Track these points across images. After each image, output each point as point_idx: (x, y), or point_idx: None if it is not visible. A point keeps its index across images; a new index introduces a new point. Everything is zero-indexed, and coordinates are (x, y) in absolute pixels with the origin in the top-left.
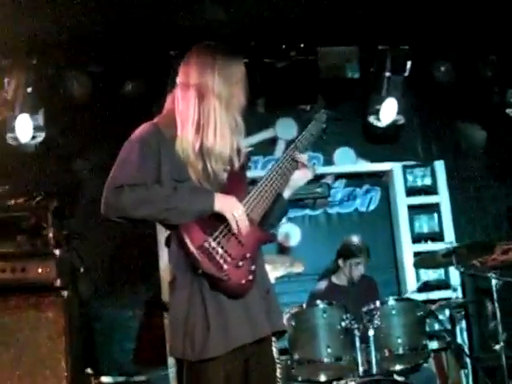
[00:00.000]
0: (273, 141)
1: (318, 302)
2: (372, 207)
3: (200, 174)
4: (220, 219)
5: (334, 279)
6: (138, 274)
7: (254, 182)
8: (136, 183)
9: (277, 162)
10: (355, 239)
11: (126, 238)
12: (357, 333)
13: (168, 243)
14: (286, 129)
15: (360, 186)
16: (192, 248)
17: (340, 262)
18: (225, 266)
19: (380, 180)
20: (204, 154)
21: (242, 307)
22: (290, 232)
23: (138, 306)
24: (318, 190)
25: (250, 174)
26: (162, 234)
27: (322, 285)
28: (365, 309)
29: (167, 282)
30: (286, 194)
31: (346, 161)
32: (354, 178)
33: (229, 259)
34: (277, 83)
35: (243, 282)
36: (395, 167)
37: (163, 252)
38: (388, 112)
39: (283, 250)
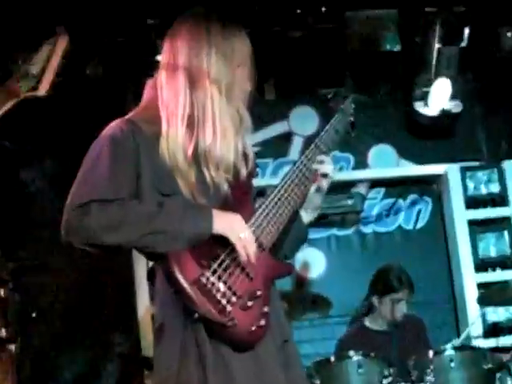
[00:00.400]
0: (286, 138)
1: (351, 353)
2: (420, 224)
3: (193, 185)
4: (220, 245)
5: (368, 323)
6: (110, 318)
7: (261, 193)
8: (107, 199)
9: (292, 168)
10: (394, 268)
11: (94, 272)
12: None
13: (151, 278)
14: (303, 121)
15: (404, 197)
16: (185, 284)
17: (374, 299)
18: (228, 308)
19: (430, 188)
20: (200, 159)
21: (252, 362)
22: (310, 259)
23: (110, 362)
24: (348, 202)
25: (255, 182)
26: (142, 265)
27: (354, 330)
28: (412, 361)
29: (149, 329)
30: (306, 216)
31: (385, 163)
32: (396, 186)
33: (234, 298)
34: (290, 60)
35: (253, 328)
36: (451, 170)
37: (143, 290)
38: (439, 97)
39: (302, 283)
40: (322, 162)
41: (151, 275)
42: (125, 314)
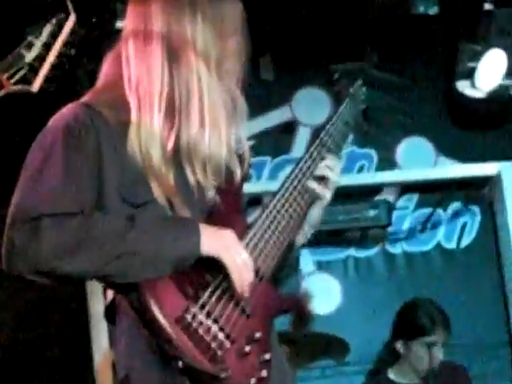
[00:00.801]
0: (288, 128)
1: None
2: (466, 242)
3: (173, 190)
4: (209, 271)
5: (393, 375)
6: (57, 367)
7: (256, 201)
8: (63, 212)
9: (294, 170)
10: (423, 303)
11: (37, 308)
12: None
13: (110, 315)
14: (310, 107)
15: (444, 206)
16: (164, 323)
17: (399, 345)
18: (221, 355)
19: (479, 194)
20: (181, 157)
21: None
22: (322, 289)
23: None
24: (371, 213)
25: (247, 187)
26: (98, 297)
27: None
28: None
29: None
30: (300, 236)
31: (418, 161)
32: (434, 192)
33: (227, 342)
34: (293, 29)
35: (252, 381)
36: (506, 170)
37: (100, 329)
38: (490, 74)
39: (310, 321)
40: (325, 165)
41: (110, 311)
42: (76, 362)
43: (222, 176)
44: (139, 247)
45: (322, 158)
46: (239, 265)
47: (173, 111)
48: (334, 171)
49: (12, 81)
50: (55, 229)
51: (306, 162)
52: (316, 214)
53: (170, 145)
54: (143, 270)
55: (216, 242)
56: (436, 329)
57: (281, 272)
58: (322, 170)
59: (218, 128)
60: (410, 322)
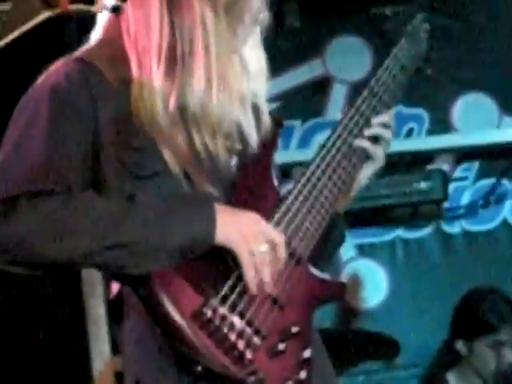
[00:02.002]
0: (320, 86)
1: None
2: None
3: (187, 157)
4: (230, 258)
5: (453, 380)
6: (48, 379)
7: (283, 174)
8: (45, 190)
9: (335, 133)
10: (488, 293)
11: (20, 306)
12: None
13: (115, 312)
14: (346, 60)
15: (510, 176)
16: (180, 320)
17: (460, 345)
18: (249, 355)
19: None
20: (188, 120)
21: None
22: (365, 278)
23: None
24: (423, 186)
25: (278, 157)
26: (98, 292)
27: None
28: None
29: None
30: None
31: (480, 123)
32: (498, 159)
33: (256, 339)
34: None
35: None
36: None
37: (99, 331)
38: None
39: (352, 316)
40: (379, 122)
41: (116, 307)
42: (72, 372)
43: (238, 142)
44: (137, 235)
45: (375, 112)
46: (256, 260)
47: (174, 66)
48: (390, 129)
49: None
50: (34, 210)
51: (352, 117)
52: (364, 180)
53: (172, 105)
54: (145, 261)
55: (233, 231)
56: (504, 325)
57: (323, 251)
58: (374, 128)
59: (228, 86)
60: (473, 318)
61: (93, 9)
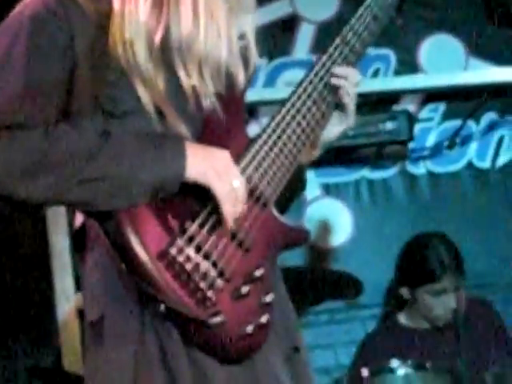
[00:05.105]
0: (288, 25)
1: (395, 363)
2: (503, 160)
3: (162, 96)
4: (199, 197)
5: (403, 319)
6: (12, 316)
7: (249, 112)
8: (21, 123)
9: (309, 75)
10: (432, 240)
11: None
12: None
13: (80, 245)
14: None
15: (476, 117)
16: (145, 258)
17: (404, 292)
18: (212, 296)
19: None
20: (173, 56)
21: (247, 382)
22: (330, 217)
23: (12, 383)
24: (388, 126)
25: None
26: (62, 226)
27: (385, 329)
28: (492, 375)
29: (73, 330)
30: (306, 154)
31: (446, 63)
32: (464, 101)
33: (220, 281)
34: None
35: (250, 328)
36: None
37: (63, 267)
38: None
39: (316, 255)
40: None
41: (79, 239)
42: (35, 308)
43: (222, 80)
44: (110, 170)
45: (346, 60)
46: (231, 194)
47: (162, 2)
48: (352, 82)
49: None
50: (8, 144)
51: (323, 65)
52: (335, 130)
53: (157, 40)
54: (117, 197)
55: (205, 165)
56: (446, 274)
57: (285, 197)
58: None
59: (216, 21)
60: (415, 266)
61: None
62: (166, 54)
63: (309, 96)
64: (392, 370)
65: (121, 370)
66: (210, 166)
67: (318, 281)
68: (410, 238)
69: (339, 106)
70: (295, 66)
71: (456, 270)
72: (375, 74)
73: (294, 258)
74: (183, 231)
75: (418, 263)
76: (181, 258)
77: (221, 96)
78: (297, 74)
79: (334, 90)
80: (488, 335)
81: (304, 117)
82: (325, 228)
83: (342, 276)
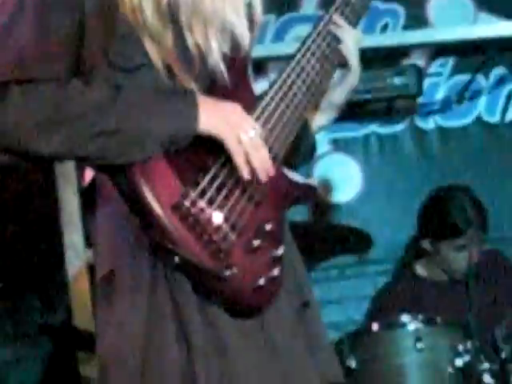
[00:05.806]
0: None
1: (404, 317)
2: None
3: (171, 52)
4: (211, 151)
5: (420, 270)
6: (22, 273)
7: (258, 68)
8: (35, 77)
9: (313, 31)
10: (456, 194)
11: None
12: (489, 380)
13: (90, 201)
14: None
15: (485, 72)
16: (158, 210)
17: (426, 244)
18: (225, 249)
19: None
20: (179, 15)
21: (259, 336)
22: (339, 173)
23: (24, 339)
24: (397, 81)
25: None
26: (71, 184)
27: (400, 281)
28: (501, 329)
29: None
30: (319, 118)
31: (454, 18)
32: (473, 55)
33: (232, 235)
34: None
35: (262, 281)
36: None
37: (73, 224)
38: None
39: (325, 211)
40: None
41: (89, 194)
42: (45, 266)
43: (228, 41)
44: (123, 123)
45: (348, 20)
46: (246, 146)
47: None
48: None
49: None
50: (24, 98)
51: (326, 24)
52: (339, 92)
53: (164, 1)
54: (129, 150)
55: (217, 117)
56: (469, 229)
57: (294, 157)
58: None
59: None
60: (439, 220)
61: None
62: (173, 12)
63: (312, 54)
64: (402, 325)
65: (132, 323)
66: (222, 119)
67: (328, 236)
68: (433, 190)
69: (343, 66)
70: (303, 22)
71: (480, 224)
72: (384, 28)
73: (301, 213)
74: (196, 184)
75: (442, 217)
76: (195, 211)
77: (226, 56)
78: (305, 30)
79: (337, 49)
80: (500, 288)
81: (308, 74)
82: (333, 183)
83: (351, 231)
